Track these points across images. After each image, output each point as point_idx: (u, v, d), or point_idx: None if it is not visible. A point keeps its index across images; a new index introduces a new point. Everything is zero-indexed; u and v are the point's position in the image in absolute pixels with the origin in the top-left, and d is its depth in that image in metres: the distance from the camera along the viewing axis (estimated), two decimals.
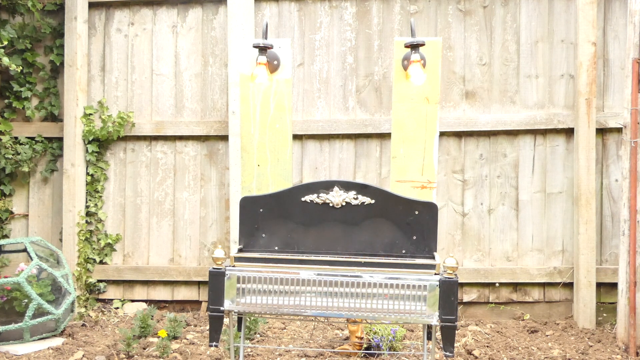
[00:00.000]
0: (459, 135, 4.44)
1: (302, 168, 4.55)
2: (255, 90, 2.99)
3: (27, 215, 4.83)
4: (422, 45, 2.82)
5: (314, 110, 4.54)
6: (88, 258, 4.67)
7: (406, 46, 2.84)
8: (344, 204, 2.62)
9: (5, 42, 4.27)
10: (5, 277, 3.95)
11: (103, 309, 4.66)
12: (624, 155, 3.81)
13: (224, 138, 4.60)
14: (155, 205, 4.71)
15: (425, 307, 2.37)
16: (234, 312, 2.62)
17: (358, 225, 2.64)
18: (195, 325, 4.28)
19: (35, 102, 4.79)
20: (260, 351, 3.69)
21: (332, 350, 3.66)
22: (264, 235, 2.67)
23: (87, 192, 4.72)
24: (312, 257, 2.54)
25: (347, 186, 2.64)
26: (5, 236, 4.79)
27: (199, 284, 4.64)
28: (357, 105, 4.51)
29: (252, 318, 3.83)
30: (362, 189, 2.64)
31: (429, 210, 2.62)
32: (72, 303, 4.07)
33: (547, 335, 4.04)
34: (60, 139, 4.74)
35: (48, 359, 3.63)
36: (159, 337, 3.86)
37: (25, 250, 4.05)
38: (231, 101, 4.46)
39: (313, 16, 4.55)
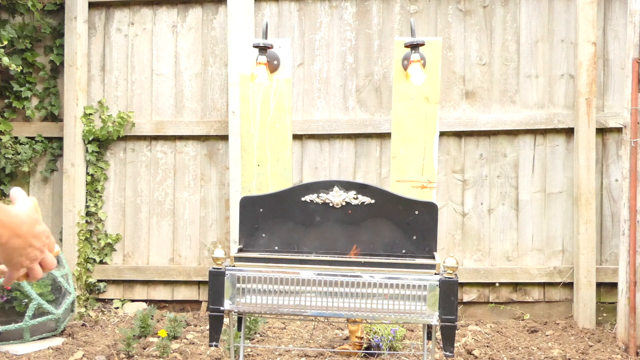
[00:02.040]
0: (459, 135, 4.44)
1: (302, 168, 4.55)
2: (255, 90, 2.99)
3: None
4: (422, 45, 2.82)
5: (314, 110, 4.54)
6: (88, 258, 4.67)
7: (406, 46, 2.84)
8: (344, 203, 2.62)
9: (5, 42, 4.27)
10: None
11: (103, 309, 4.66)
12: (624, 155, 3.81)
13: (224, 138, 4.60)
14: (155, 205, 4.70)
15: (425, 307, 2.37)
16: (234, 312, 2.62)
17: (358, 225, 2.64)
18: (195, 325, 4.28)
19: (35, 102, 4.79)
20: (260, 351, 3.69)
21: (332, 350, 3.66)
22: (264, 235, 2.67)
23: (87, 192, 4.72)
24: (312, 257, 2.54)
25: (347, 186, 2.64)
26: None
27: (199, 283, 4.64)
28: (357, 105, 4.51)
29: (252, 318, 3.83)
30: (362, 188, 2.64)
31: (429, 210, 2.62)
32: (72, 303, 4.07)
33: (547, 335, 4.04)
34: (60, 139, 4.74)
35: (48, 358, 3.63)
36: (159, 337, 3.86)
37: None
38: (231, 101, 4.46)
39: (313, 16, 4.55)
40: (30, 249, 1.22)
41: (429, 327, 2.76)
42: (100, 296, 4.72)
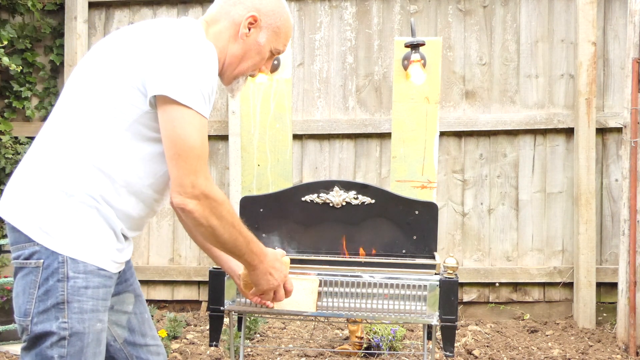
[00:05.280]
0: (459, 135, 4.44)
1: (302, 168, 4.54)
2: (255, 90, 2.99)
3: None
4: (422, 45, 2.81)
5: (314, 110, 4.54)
6: None
7: (406, 46, 2.84)
8: (344, 203, 2.62)
9: (5, 42, 4.27)
10: (5, 277, 3.95)
11: None
12: (624, 155, 3.81)
13: (224, 138, 4.60)
14: None
15: (425, 307, 2.37)
16: (234, 312, 2.62)
17: (358, 225, 2.64)
18: (195, 325, 4.28)
19: (35, 102, 4.79)
20: (260, 351, 3.69)
21: (332, 350, 3.66)
22: (264, 235, 2.67)
23: None
24: (312, 257, 2.54)
25: (347, 186, 2.63)
26: (5, 236, 4.79)
27: (199, 283, 4.64)
28: (357, 105, 4.51)
29: (252, 318, 3.83)
30: (362, 188, 2.63)
31: (429, 210, 2.62)
32: None
33: (547, 335, 4.04)
34: None
35: None
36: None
37: None
38: (231, 101, 4.46)
39: (313, 16, 4.55)
40: (270, 277, 1.84)
41: (429, 327, 2.75)
42: None
